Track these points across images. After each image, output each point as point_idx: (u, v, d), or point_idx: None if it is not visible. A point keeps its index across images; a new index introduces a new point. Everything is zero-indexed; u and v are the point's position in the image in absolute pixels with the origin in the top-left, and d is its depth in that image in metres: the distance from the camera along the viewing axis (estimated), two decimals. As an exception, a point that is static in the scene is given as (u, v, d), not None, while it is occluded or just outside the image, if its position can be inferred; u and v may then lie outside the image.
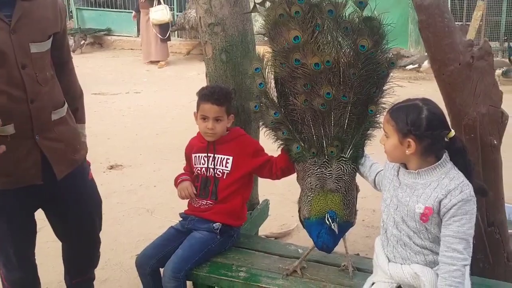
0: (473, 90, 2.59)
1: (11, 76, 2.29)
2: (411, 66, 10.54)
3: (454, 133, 2.14)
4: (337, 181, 2.56)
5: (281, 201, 4.57)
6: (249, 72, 2.81)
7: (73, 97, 2.73)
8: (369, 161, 2.60)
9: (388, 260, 2.25)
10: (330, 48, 2.57)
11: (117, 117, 7.84)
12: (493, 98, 2.63)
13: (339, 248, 2.74)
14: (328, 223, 2.43)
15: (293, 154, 2.69)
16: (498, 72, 9.11)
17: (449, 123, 2.68)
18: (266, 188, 4.08)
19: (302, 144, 2.66)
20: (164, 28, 12.05)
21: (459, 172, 2.12)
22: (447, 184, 2.07)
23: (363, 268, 2.68)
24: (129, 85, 10.03)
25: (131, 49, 14.29)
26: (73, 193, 2.64)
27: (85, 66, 11.61)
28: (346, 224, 2.56)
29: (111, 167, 5.75)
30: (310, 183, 2.59)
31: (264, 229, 4.10)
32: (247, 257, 2.85)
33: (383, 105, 2.58)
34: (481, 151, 2.64)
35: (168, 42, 12.54)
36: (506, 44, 10.54)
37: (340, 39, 2.57)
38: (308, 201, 2.56)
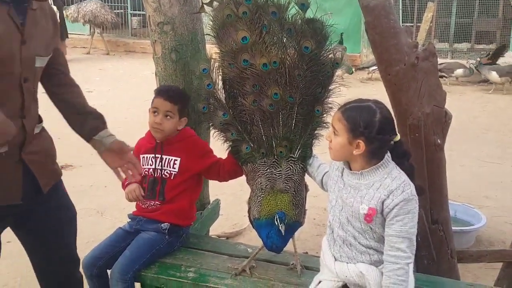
0: (418, 90, 2.64)
1: (11, 89, 2.12)
2: (374, 68, 10.54)
3: (399, 137, 2.16)
4: (287, 181, 2.57)
5: (233, 201, 4.58)
6: (196, 73, 2.79)
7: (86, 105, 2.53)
8: (317, 162, 2.62)
9: (335, 259, 2.27)
10: (277, 49, 2.57)
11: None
12: (437, 98, 2.69)
13: (288, 247, 2.76)
14: (276, 224, 2.44)
15: (242, 155, 2.69)
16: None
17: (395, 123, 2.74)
18: (217, 187, 4.06)
19: (252, 145, 2.66)
20: None
21: (401, 171, 2.14)
22: (389, 184, 2.09)
23: (311, 266, 2.70)
24: (81, 84, 9.80)
25: (84, 47, 14.04)
26: (54, 206, 2.44)
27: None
28: (295, 224, 2.57)
29: (61, 167, 5.58)
30: (260, 183, 2.59)
31: (216, 229, 4.09)
32: (196, 257, 2.83)
33: (330, 105, 2.62)
34: (426, 150, 2.69)
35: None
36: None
37: (284, 41, 2.58)
38: (258, 201, 2.57)
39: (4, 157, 2.15)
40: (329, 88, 2.62)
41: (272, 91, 2.54)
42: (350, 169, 2.19)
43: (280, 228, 2.42)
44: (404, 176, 2.12)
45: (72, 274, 2.64)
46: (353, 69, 10.23)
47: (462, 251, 3.16)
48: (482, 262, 3.32)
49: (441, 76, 9.43)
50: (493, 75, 10.00)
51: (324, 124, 2.64)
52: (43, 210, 2.39)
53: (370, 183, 2.12)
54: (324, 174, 2.53)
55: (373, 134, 2.07)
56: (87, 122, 2.47)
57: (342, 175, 2.24)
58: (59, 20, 2.62)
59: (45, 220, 2.42)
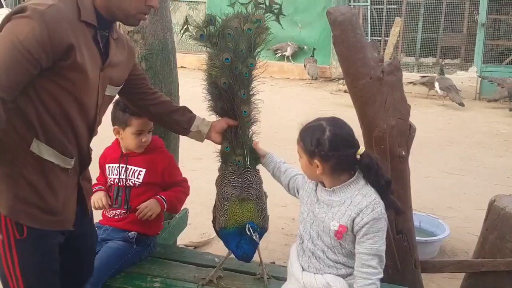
0: (383, 103, 2.70)
1: (89, 114, 2.12)
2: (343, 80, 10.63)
3: (363, 150, 2.16)
4: (248, 189, 2.59)
5: (202, 210, 4.56)
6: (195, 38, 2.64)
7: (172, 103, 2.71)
8: (284, 166, 2.63)
9: (302, 269, 2.28)
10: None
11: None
12: (402, 111, 2.75)
13: (255, 257, 2.78)
14: (249, 233, 2.45)
15: (222, 151, 2.72)
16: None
17: (362, 135, 2.79)
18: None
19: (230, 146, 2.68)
20: None
21: (372, 188, 2.15)
22: (359, 201, 2.10)
23: (279, 276, 2.72)
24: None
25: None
26: (88, 229, 2.43)
27: None
28: (262, 230, 2.60)
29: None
30: (226, 192, 2.60)
31: (184, 239, 4.08)
32: (163, 267, 2.82)
33: (255, 105, 2.67)
34: (390, 161, 2.75)
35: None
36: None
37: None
38: (225, 210, 2.57)
39: (69, 177, 2.12)
40: (250, 88, 2.64)
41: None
42: (324, 186, 2.22)
43: (254, 237, 2.44)
44: (374, 194, 2.13)
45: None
46: None
47: (426, 261, 3.22)
48: (445, 272, 3.39)
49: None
50: (436, 85, 10.22)
51: (254, 122, 2.68)
52: (82, 233, 2.33)
53: (342, 200, 2.14)
54: (291, 178, 2.54)
55: (326, 152, 2.09)
56: (179, 120, 2.62)
57: (316, 189, 2.26)
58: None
59: (82, 242, 2.36)
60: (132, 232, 2.76)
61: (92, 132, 2.21)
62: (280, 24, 2.63)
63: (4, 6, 11.63)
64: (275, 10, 2.60)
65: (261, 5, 2.59)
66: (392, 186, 2.23)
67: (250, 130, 2.69)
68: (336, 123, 2.17)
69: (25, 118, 1.94)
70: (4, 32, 1.87)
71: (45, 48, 1.85)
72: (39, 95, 1.95)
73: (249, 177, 2.62)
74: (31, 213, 2.01)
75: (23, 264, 2.01)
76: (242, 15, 2.59)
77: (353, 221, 2.09)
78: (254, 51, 2.60)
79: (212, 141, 2.67)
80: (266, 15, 2.60)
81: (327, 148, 2.09)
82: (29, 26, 1.83)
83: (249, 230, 2.45)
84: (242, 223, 2.49)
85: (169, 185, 2.86)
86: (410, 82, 10.55)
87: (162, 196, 2.79)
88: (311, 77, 11.81)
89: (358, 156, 2.14)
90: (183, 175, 3.00)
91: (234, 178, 2.61)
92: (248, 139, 2.67)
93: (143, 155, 2.81)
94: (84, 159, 2.22)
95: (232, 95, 2.58)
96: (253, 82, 2.64)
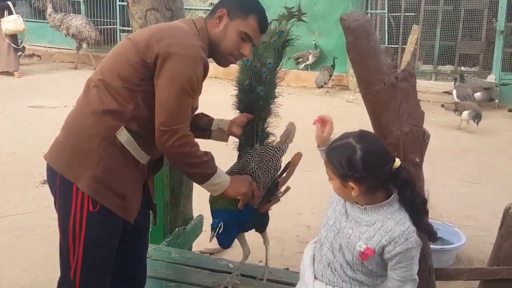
0: (397, 110, 2.68)
1: None
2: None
3: (399, 163, 2.03)
4: (242, 170, 2.71)
5: (217, 217, 4.59)
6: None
7: None
8: None
9: (315, 277, 2.20)
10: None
11: (54, 131, 7.60)
12: (416, 118, 2.74)
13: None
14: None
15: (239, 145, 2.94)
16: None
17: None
18: (201, 203, 4.08)
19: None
20: (16, 38, 11.98)
21: (406, 215, 2.02)
22: (391, 228, 1.98)
23: (293, 283, 2.72)
24: (68, 99, 9.78)
25: (71, 62, 14.01)
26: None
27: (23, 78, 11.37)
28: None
29: (44, 182, 5.56)
30: None
31: (199, 245, 4.10)
32: (178, 272, 2.86)
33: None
34: (405, 168, 2.73)
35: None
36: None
37: None
38: None
39: (139, 172, 2.33)
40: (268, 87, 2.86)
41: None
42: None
43: (210, 234, 2.51)
44: (408, 222, 2.00)
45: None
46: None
47: (440, 269, 3.18)
48: (459, 280, 3.34)
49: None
50: (453, 93, 10.08)
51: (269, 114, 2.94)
52: (140, 233, 2.56)
53: (372, 221, 2.02)
54: None
55: (360, 174, 1.94)
56: (199, 124, 2.73)
57: (345, 201, 2.15)
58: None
59: (139, 244, 2.59)
60: None
61: None
62: (304, 21, 2.99)
63: (14, 13, 11.71)
64: (295, 14, 2.89)
65: (284, 16, 2.86)
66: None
67: (265, 122, 2.90)
68: (366, 139, 2.04)
69: (127, 106, 2.22)
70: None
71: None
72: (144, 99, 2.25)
73: (249, 158, 2.73)
74: (106, 193, 2.19)
75: (90, 235, 2.17)
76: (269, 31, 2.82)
77: (383, 248, 1.99)
78: (280, 60, 2.88)
79: (234, 135, 2.80)
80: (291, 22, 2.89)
81: (361, 169, 1.94)
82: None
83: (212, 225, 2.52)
84: (220, 207, 2.58)
85: None
86: (446, 92, 10.65)
87: None
88: (317, 85, 11.51)
89: (395, 169, 2.01)
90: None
91: (233, 165, 2.79)
92: (261, 131, 2.87)
93: None
94: (156, 163, 2.49)
95: (251, 92, 2.80)
96: (272, 82, 2.86)
